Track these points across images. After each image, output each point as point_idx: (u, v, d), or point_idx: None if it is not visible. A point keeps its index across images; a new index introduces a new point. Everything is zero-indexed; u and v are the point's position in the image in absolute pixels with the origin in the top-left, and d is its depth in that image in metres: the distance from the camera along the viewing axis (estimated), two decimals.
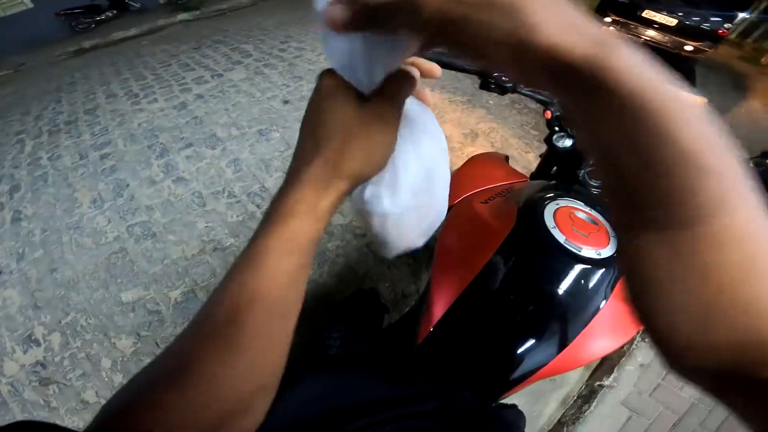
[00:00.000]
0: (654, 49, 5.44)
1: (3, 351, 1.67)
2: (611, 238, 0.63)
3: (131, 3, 6.52)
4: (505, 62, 0.19)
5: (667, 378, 1.64)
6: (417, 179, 0.30)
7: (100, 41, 5.52)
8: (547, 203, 0.66)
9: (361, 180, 0.29)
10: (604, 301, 0.60)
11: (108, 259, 2.01)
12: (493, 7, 0.17)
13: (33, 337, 1.71)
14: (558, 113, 0.81)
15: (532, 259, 0.63)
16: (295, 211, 0.27)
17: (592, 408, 1.54)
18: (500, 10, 0.17)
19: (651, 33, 5.29)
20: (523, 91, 0.75)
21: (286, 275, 0.27)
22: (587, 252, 0.59)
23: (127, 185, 2.47)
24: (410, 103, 0.30)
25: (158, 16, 6.15)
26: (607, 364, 1.70)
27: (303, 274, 0.28)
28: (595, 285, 0.59)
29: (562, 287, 0.59)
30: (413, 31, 0.21)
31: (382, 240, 0.32)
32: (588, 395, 1.61)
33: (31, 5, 5.93)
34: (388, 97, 0.27)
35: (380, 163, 0.28)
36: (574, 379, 1.67)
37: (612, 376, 1.63)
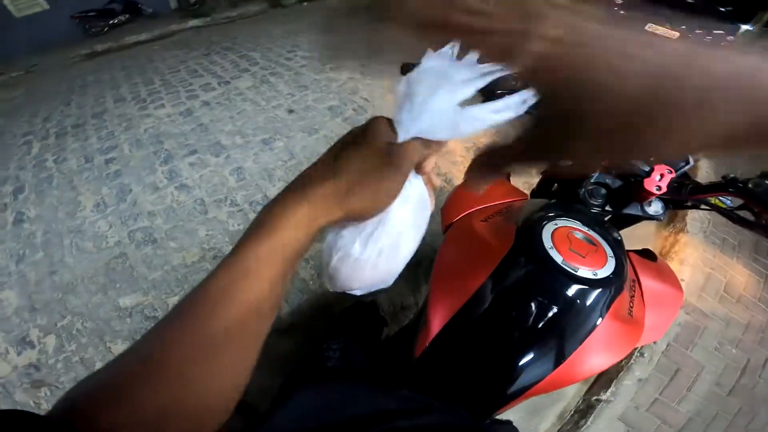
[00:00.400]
0: None
1: None
2: (608, 258, 0.64)
3: (144, 8, 6.63)
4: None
5: (664, 393, 1.64)
6: (389, 240, 0.32)
7: (112, 45, 5.62)
8: (546, 223, 0.67)
9: (355, 217, 0.30)
10: (600, 319, 0.61)
11: (108, 263, 2.03)
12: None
13: (28, 339, 1.72)
14: None
15: (529, 279, 0.63)
16: (291, 223, 0.27)
17: (588, 423, 1.54)
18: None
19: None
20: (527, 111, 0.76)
21: (268, 283, 0.27)
22: (584, 272, 0.60)
23: (131, 190, 2.50)
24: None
25: (170, 22, 6.26)
26: (605, 379, 1.70)
27: (283, 283, 0.29)
28: (591, 304, 0.61)
29: (559, 306, 0.60)
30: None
31: (331, 274, 0.34)
32: (585, 410, 1.60)
33: (47, 6, 6.05)
34: (411, 152, 0.29)
35: (379, 209, 0.30)
36: (571, 394, 1.67)
37: (609, 391, 1.62)
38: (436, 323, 0.67)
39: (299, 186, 0.29)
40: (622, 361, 1.68)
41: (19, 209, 2.41)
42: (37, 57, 5.27)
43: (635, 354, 1.73)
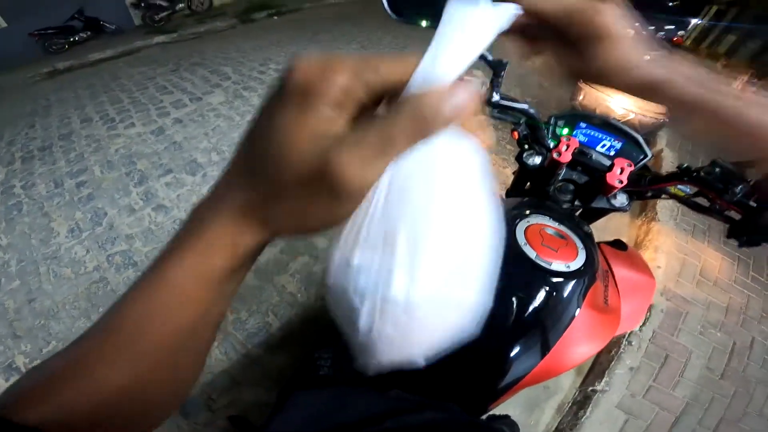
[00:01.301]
0: None
1: None
2: (579, 250, 0.68)
3: (106, 24, 6.48)
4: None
5: (658, 379, 1.70)
6: (450, 256, 0.20)
7: (75, 62, 5.47)
8: (518, 222, 0.71)
9: (285, 237, 0.23)
10: (578, 309, 0.65)
11: (88, 288, 2.02)
12: None
13: (14, 366, 1.71)
14: (525, 132, 0.84)
15: (506, 275, 0.67)
16: (214, 242, 0.22)
17: (588, 414, 1.57)
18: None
19: None
20: (493, 115, 0.78)
21: (200, 304, 0.23)
22: (557, 266, 0.64)
23: (106, 214, 2.48)
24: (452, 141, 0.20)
25: (134, 38, 6.15)
26: (598, 369, 1.75)
27: (223, 301, 0.25)
28: (567, 295, 0.64)
29: (537, 299, 0.63)
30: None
31: (365, 345, 0.22)
32: (582, 401, 1.64)
33: (4, 24, 5.84)
34: (369, 157, 0.18)
35: (315, 230, 0.22)
36: (566, 386, 1.72)
37: (604, 381, 1.66)
38: None
39: (220, 190, 0.23)
40: (612, 350, 1.79)
41: None
42: None
43: (623, 343, 1.79)
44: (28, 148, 3.29)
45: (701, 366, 1.78)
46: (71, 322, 1.86)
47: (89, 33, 6.32)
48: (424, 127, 0.18)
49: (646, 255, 2.29)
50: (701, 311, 2.00)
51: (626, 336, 1.82)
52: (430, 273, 0.19)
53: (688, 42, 8.59)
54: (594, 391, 1.64)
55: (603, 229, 2.45)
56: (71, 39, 6.11)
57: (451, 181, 0.19)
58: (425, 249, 0.19)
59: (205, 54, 5.36)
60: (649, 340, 1.83)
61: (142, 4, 6.88)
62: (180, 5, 7.21)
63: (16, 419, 0.20)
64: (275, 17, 7.45)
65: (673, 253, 2.27)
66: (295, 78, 0.19)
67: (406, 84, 0.19)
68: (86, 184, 2.76)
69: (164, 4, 6.95)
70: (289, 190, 0.20)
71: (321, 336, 1.29)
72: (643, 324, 1.89)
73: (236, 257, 0.22)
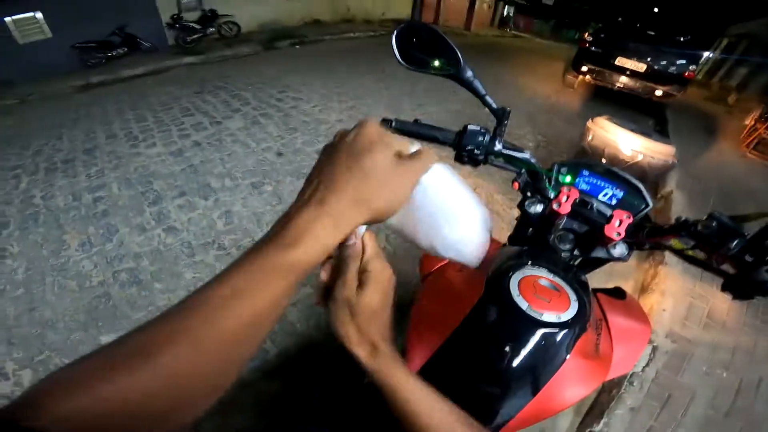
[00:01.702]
0: (627, 96, 5.78)
1: None
2: (572, 302, 0.69)
3: (142, 42, 6.85)
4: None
5: (659, 419, 1.66)
6: (464, 209, 0.44)
7: (108, 77, 5.76)
8: (512, 274, 0.73)
9: (382, 216, 0.35)
10: (567, 356, 0.67)
11: (90, 302, 2.07)
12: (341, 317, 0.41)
13: (3, 371, 1.74)
14: (526, 181, 0.86)
15: (498, 325, 0.68)
16: (312, 238, 0.30)
17: None
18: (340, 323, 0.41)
19: (624, 80, 5.70)
20: (494, 163, 0.81)
21: (271, 297, 0.29)
22: (548, 317, 0.66)
23: (117, 231, 2.57)
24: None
25: (165, 58, 6.49)
26: (597, 410, 1.73)
27: (289, 294, 0.31)
28: (557, 344, 0.66)
29: (527, 348, 0.65)
30: None
31: (454, 255, 0.45)
32: None
33: (50, 35, 6.11)
34: (419, 162, 0.37)
35: (398, 207, 0.36)
36: (564, 428, 1.65)
37: (603, 422, 1.65)
38: (415, 364, 0.72)
39: (314, 200, 0.32)
40: (612, 390, 1.77)
41: (2, 245, 2.43)
42: (34, 86, 5.35)
43: (624, 383, 1.77)
44: (53, 160, 3.44)
45: (705, 405, 1.75)
46: (67, 334, 1.91)
47: (126, 49, 6.67)
48: (428, 163, 0.38)
49: (653, 298, 2.29)
50: (707, 353, 1.98)
51: (628, 377, 1.81)
52: (461, 229, 0.43)
53: (700, 76, 8.60)
54: None
55: (609, 273, 2.45)
56: (109, 54, 6.45)
57: (454, 185, 0.42)
58: (454, 220, 0.42)
59: (228, 78, 5.62)
60: (652, 380, 1.81)
61: (177, 26, 7.30)
62: (211, 29, 7.62)
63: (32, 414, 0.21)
64: (297, 46, 7.82)
65: (680, 296, 2.28)
66: (368, 129, 0.36)
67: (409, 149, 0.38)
68: (103, 200, 2.87)
69: (197, 26, 7.37)
70: (389, 181, 0.34)
71: (315, 369, 1.29)
72: (647, 365, 1.88)
73: (326, 250, 0.33)
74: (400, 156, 0.35)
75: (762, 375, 1.89)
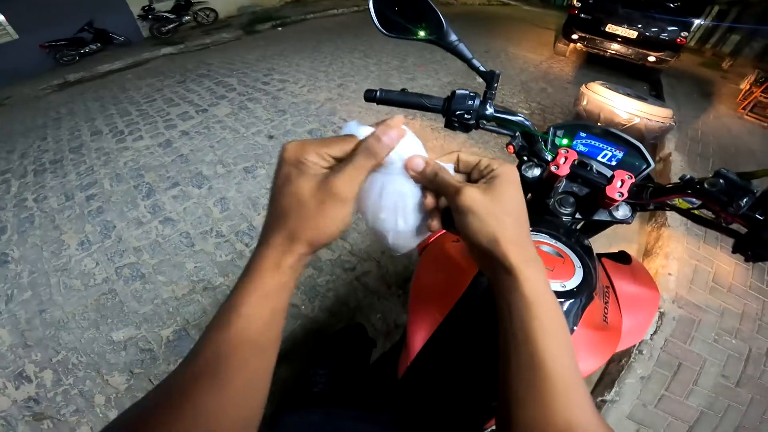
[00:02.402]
0: (621, 62, 5.75)
1: None
2: (576, 268, 0.65)
3: (115, 36, 6.67)
4: (479, 247, 0.36)
5: (670, 388, 1.67)
6: (419, 220, 0.42)
7: (85, 74, 5.63)
8: None
9: (318, 246, 0.34)
10: (575, 327, 0.63)
11: (97, 300, 2.10)
12: (490, 217, 0.35)
13: (24, 374, 1.78)
14: (521, 145, 0.83)
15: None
16: (263, 267, 0.32)
17: None
18: (493, 219, 0.35)
19: (615, 47, 5.66)
20: (486, 127, 0.78)
21: (260, 320, 0.32)
22: (552, 285, 0.61)
23: (114, 227, 2.57)
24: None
25: (143, 50, 6.32)
26: (607, 379, 1.73)
27: (277, 317, 0.34)
28: (563, 314, 0.66)
29: None
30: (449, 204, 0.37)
31: (393, 247, 0.43)
32: None
33: (16, 36, 6.01)
34: (347, 179, 0.33)
35: (334, 233, 0.34)
36: None
37: (613, 390, 1.65)
38: (416, 343, 0.69)
39: (263, 236, 0.34)
40: (622, 360, 1.76)
41: (3, 250, 2.43)
42: (9, 89, 5.23)
43: (634, 352, 1.77)
44: (41, 161, 3.40)
45: (716, 374, 1.75)
46: (80, 333, 1.94)
47: (99, 45, 6.51)
48: (371, 153, 0.34)
49: (657, 262, 2.28)
50: (715, 318, 1.98)
51: (637, 345, 1.79)
52: (413, 218, 0.40)
53: (693, 43, 8.54)
54: (603, 401, 1.63)
55: (612, 236, 2.47)
56: (81, 51, 6.29)
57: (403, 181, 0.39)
58: (409, 211, 0.40)
59: (211, 65, 5.50)
60: (661, 348, 1.81)
61: (150, 17, 7.09)
62: (186, 18, 7.42)
63: None
64: (279, 28, 7.62)
65: (684, 259, 2.26)
66: (287, 157, 0.34)
67: (349, 153, 0.35)
68: (96, 197, 2.86)
69: (171, 16, 7.16)
70: (310, 214, 0.33)
71: (319, 352, 1.32)
72: (655, 332, 1.87)
73: (283, 274, 0.33)
74: (330, 168, 0.34)
75: None
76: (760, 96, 4.92)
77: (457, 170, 0.40)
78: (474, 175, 0.39)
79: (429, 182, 0.38)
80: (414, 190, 0.40)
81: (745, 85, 5.44)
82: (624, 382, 1.67)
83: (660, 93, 5.31)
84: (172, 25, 7.14)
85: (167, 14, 7.16)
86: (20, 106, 4.88)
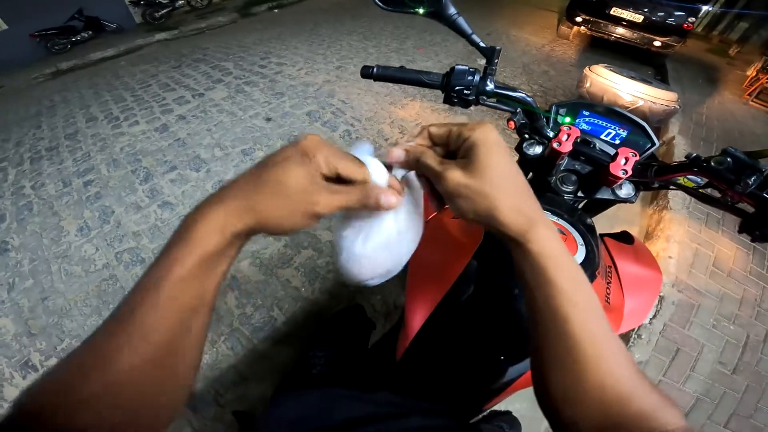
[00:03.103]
0: (625, 46, 5.67)
1: (2, 377, 1.74)
2: (579, 246, 0.64)
3: (107, 23, 6.57)
4: (480, 223, 0.35)
5: (668, 374, 1.68)
6: (384, 238, 0.39)
7: (77, 62, 5.56)
8: None
9: (266, 230, 0.33)
10: None
11: (99, 286, 2.09)
12: (480, 196, 0.34)
13: (30, 363, 1.78)
14: (523, 122, 0.82)
15: (500, 273, 0.64)
16: (206, 228, 0.30)
17: None
18: (483, 198, 0.34)
19: (620, 30, 5.54)
20: (486, 103, 0.76)
21: (194, 287, 0.29)
22: None
23: (113, 212, 2.55)
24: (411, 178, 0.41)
25: (136, 36, 6.22)
26: None
27: (206, 280, 0.31)
28: None
29: None
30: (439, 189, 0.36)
31: (342, 270, 0.40)
32: None
33: (5, 26, 5.95)
34: (331, 202, 0.33)
35: (286, 230, 0.33)
36: None
37: None
38: (414, 324, 0.68)
39: (220, 193, 0.32)
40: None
41: (3, 238, 2.43)
42: (1, 78, 5.19)
43: (633, 336, 1.77)
44: (36, 149, 3.37)
45: (713, 360, 1.76)
46: (83, 320, 1.94)
47: (90, 32, 6.42)
48: (364, 200, 0.34)
49: (658, 245, 2.28)
50: (714, 303, 1.97)
51: (636, 330, 1.79)
52: (372, 245, 0.38)
53: (700, 29, 8.39)
54: None
55: (613, 218, 2.44)
56: (73, 39, 6.21)
57: (396, 213, 0.39)
58: (372, 236, 0.38)
59: (206, 50, 5.41)
60: (660, 333, 1.80)
61: (142, 2, 6.96)
62: (180, 2, 7.29)
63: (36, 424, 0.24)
64: (276, 10, 7.47)
65: (685, 242, 2.24)
66: (301, 145, 0.33)
67: (355, 178, 0.35)
68: (93, 182, 2.84)
69: (164, 1, 7.03)
70: (280, 201, 0.31)
71: (319, 333, 1.32)
72: (654, 317, 1.87)
73: (224, 239, 0.30)
74: (329, 178, 0.34)
75: None
76: (767, 83, 4.86)
77: (434, 145, 0.39)
78: (451, 146, 0.37)
79: (415, 168, 0.38)
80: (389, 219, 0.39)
81: (751, 72, 5.35)
82: None
83: (665, 77, 5.23)
84: (165, 11, 7.01)
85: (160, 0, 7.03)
86: (13, 96, 4.83)
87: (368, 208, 0.35)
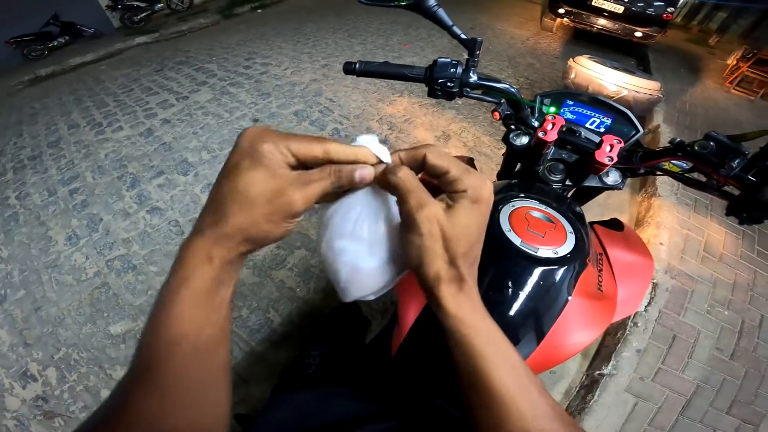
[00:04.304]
0: (608, 37, 5.78)
1: (1, 388, 1.74)
2: (568, 234, 0.64)
3: (84, 28, 6.48)
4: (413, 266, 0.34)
5: (666, 361, 1.70)
6: (391, 247, 0.36)
7: (56, 68, 5.48)
8: (502, 206, 0.67)
9: (257, 245, 0.31)
10: (569, 297, 0.61)
11: (91, 294, 2.10)
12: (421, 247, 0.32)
13: (29, 373, 1.79)
14: (507, 112, 0.82)
15: (491, 264, 0.62)
16: (193, 261, 0.29)
17: (596, 397, 1.57)
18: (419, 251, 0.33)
19: (602, 21, 5.66)
20: (470, 95, 0.76)
21: (194, 321, 0.29)
22: (544, 252, 0.61)
23: (101, 219, 2.55)
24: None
25: (115, 41, 6.14)
26: (604, 352, 1.74)
27: (215, 316, 0.30)
28: (557, 283, 0.60)
29: (524, 289, 0.60)
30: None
31: (345, 287, 0.36)
32: (590, 385, 1.64)
33: None
34: (306, 193, 0.30)
35: (274, 237, 0.31)
36: (573, 370, 1.74)
37: (611, 364, 1.66)
38: (408, 318, 0.67)
39: (200, 221, 0.30)
40: (618, 333, 1.77)
41: None
42: None
43: (629, 324, 1.78)
44: (19, 158, 3.33)
45: (710, 346, 1.78)
46: (78, 328, 1.94)
47: (67, 38, 6.33)
48: (339, 178, 0.32)
49: (648, 232, 2.32)
50: (707, 289, 2.00)
51: (631, 317, 1.81)
52: (380, 257, 0.35)
53: (679, 19, 8.55)
54: (601, 375, 1.65)
55: (603, 206, 2.52)
56: (50, 45, 6.13)
57: (372, 209, 0.35)
58: (379, 248, 0.35)
59: (189, 52, 5.38)
60: (656, 320, 1.82)
61: (119, 6, 6.88)
62: (159, 5, 7.20)
63: None
64: (259, 10, 7.44)
65: (675, 228, 2.28)
66: (242, 146, 0.30)
67: (316, 155, 0.31)
68: (79, 190, 2.83)
69: (142, 4, 6.96)
70: (255, 211, 0.29)
71: (313, 333, 1.31)
72: (649, 304, 1.89)
73: (215, 268, 0.29)
74: (290, 167, 0.31)
75: (763, 313, 1.94)
76: (747, 71, 5.01)
77: (419, 170, 0.35)
78: (442, 184, 0.34)
79: (389, 185, 0.34)
80: (382, 209, 0.35)
81: (732, 61, 5.53)
82: (621, 355, 1.70)
83: (647, 68, 5.36)
84: (144, 14, 6.94)
85: (138, 3, 6.94)
86: None
87: (350, 185, 0.33)
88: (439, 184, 0.34)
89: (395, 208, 0.36)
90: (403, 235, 0.34)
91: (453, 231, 0.32)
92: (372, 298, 0.38)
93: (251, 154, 0.29)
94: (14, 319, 2.02)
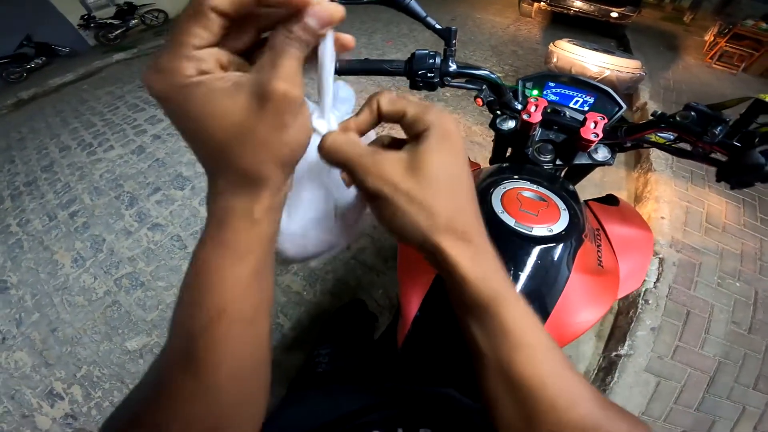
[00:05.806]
0: (586, 20, 5.96)
1: (30, 407, 1.85)
2: (561, 211, 0.66)
3: (59, 48, 6.50)
4: (403, 240, 0.29)
5: (683, 338, 1.67)
6: (316, 214, 0.35)
7: (38, 90, 5.51)
8: (494, 189, 0.69)
9: (293, 163, 0.27)
10: (569, 273, 0.62)
11: (104, 313, 2.21)
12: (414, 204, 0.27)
13: (54, 392, 1.90)
14: (490, 98, 0.84)
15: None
16: (234, 222, 0.25)
17: (615, 379, 1.56)
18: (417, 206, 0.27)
19: (578, 3, 5.85)
20: (452, 84, 0.77)
21: (238, 287, 0.26)
22: (539, 230, 0.62)
23: (104, 240, 2.65)
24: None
25: (93, 59, 6.17)
26: (618, 333, 1.72)
27: (262, 278, 0.27)
28: (556, 260, 0.61)
29: (524, 269, 0.60)
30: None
31: (279, 250, 0.35)
32: (608, 367, 1.62)
33: None
34: (288, 71, 0.23)
35: (304, 141, 0.26)
36: (589, 353, 1.73)
37: (626, 344, 1.64)
38: (410, 310, 0.68)
39: (214, 182, 0.27)
40: (629, 311, 1.77)
41: (0, 278, 2.51)
42: None
43: (640, 302, 1.76)
44: (14, 185, 3.40)
45: (726, 320, 1.76)
46: (95, 346, 2.06)
47: (44, 58, 6.35)
48: (312, 32, 0.25)
49: (648, 206, 2.35)
50: (715, 261, 1.99)
51: (642, 294, 1.80)
52: (296, 219, 0.34)
53: None
54: (618, 356, 1.63)
55: (600, 186, 2.60)
56: (27, 66, 6.14)
57: (322, 178, 0.34)
58: (293, 208, 0.34)
59: None
60: (667, 296, 1.81)
61: (92, 25, 6.90)
62: (134, 21, 7.23)
63: None
64: None
65: (675, 201, 2.31)
66: (158, 90, 0.23)
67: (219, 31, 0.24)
68: (79, 213, 2.91)
69: (115, 21, 6.99)
70: (264, 133, 0.23)
71: (321, 332, 1.38)
72: (657, 280, 1.88)
73: (259, 222, 0.26)
74: (231, 65, 0.26)
75: None
76: (726, 46, 5.21)
77: (381, 120, 0.31)
78: (404, 130, 0.31)
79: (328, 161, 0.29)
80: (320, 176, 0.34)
81: (709, 37, 5.78)
82: (635, 335, 1.67)
83: (627, 48, 5.53)
84: (119, 30, 6.97)
85: (111, 20, 6.99)
86: None
87: (314, 36, 0.25)
88: (404, 132, 0.31)
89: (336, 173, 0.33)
90: (373, 212, 0.30)
91: (426, 177, 0.27)
92: (314, 262, 0.42)
93: (183, 91, 0.22)
94: (33, 341, 2.12)
